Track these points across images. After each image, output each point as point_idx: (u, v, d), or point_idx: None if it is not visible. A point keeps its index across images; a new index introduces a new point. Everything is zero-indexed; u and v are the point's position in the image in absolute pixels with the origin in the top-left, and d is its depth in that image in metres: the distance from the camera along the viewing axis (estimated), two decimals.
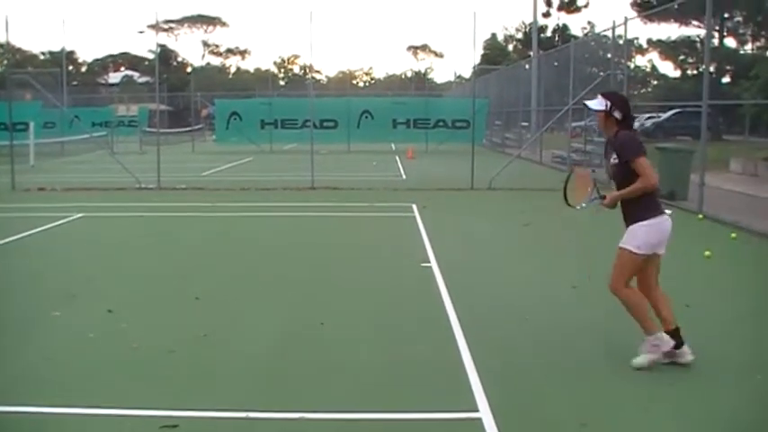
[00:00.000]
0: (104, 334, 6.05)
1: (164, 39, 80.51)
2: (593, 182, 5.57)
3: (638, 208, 5.24)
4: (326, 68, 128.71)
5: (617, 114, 5.33)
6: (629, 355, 5.56)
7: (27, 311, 6.76)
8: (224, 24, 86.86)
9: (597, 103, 5.42)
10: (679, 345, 5.26)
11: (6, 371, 5.22)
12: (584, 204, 5.53)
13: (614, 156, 5.30)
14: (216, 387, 4.94)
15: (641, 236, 5.20)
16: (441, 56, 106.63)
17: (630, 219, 5.29)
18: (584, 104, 5.65)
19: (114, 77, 74.93)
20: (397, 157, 27.41)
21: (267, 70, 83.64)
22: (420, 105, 33.18)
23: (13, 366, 5.32)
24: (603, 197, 5.42)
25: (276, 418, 4.42)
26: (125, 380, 5.06)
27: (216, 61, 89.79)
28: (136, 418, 4.42)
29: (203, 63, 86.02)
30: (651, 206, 5.27)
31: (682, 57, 42.34)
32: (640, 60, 46.92)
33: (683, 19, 38.52)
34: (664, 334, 5.25)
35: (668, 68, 53.56)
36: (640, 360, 5.24)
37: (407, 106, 32.93)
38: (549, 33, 54.86)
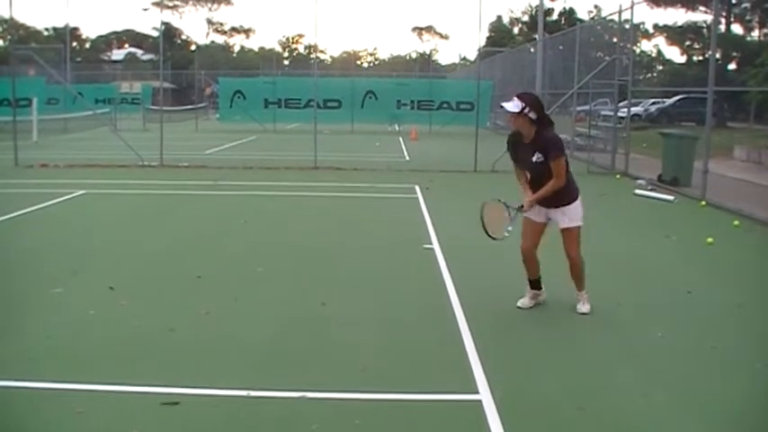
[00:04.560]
0: (105, 311, 6.06)
1: (168, 16, 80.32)
2: (503, 206, 6.17)
3: (570, 190, 6.02)
4: (331, 48, 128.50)
5: (532, 115, 5.77)
6: (630, 339, 5.58)
7: (29, 288, 6.78)
8: (228, 2, 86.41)
9: (513, 106, 5.78)
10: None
11: (7, 346, 5.24)
12: (510, 229, 6.11)
13: (538, 154, 5.85)
14: (217, 365, 4.95)
15: (581, 211, 6.10)
16: (446, 37, 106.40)
17: (565, 200, 6.02)
18: (501, 106, 6.10)
19: (118, 54, 74.74)
20: (401, 139, 27.36)
21: (271, 49, 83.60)
22: (424, 87, 33.10)
23: (14, 342, 5.33)
24: (521, 207, 6.09)
25: (277, 396, 4.44)
26: (126, 357, 5.08)
27: (220, 39, 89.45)
28: (136, 395, 4.43)
29: (207, 41, 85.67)
30: (576, 187, 6.13)
31: (688, 42, 42.19)
32: (646, 45, 46.75)
33: (689, 4, 38.34)
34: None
35: (674, 54, 53.41)
36: (588, 306, 6.18)
37: (411, 87, 32.86)
38: (555, 17, 54.51)
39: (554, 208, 6.09)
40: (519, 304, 6.26)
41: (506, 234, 6.08)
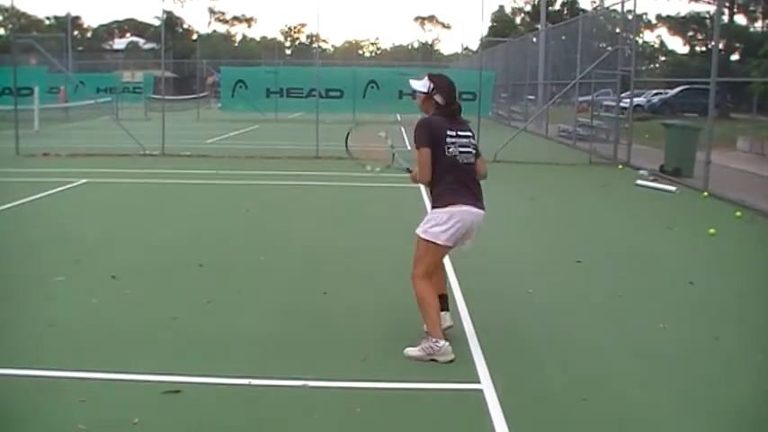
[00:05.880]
0: (107, 300, 6.07)
1: (170, 5, 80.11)
2: (385, 141, 5.69)
3: (434, 193, 5.28)
4: (333, 38, 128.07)
5: (438, 99, 5.18)
6: (631, 331, 5.58)
7: (31, 276, 6.78)
8: None
9: (421, 85, 5.28)
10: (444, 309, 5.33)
11: (10, 335, 5.25)
12: (377, 170, 5.73)
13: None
14: (218, 354, 4.96)
15: (431, 223, 5.26)
16: (448, 27, 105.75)
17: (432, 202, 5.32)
18: (410, 83, 5.46)
19: (119, 43, 74.77)
20: (403, 129, 27.27)
21: (273, 38, 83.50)
22: None
23: (16, 331, 5.34)
24: (409, 171, 5.45)
25: (278, 385, 4.44)
26: (128, 345, 5.08)
27: (222, 29, 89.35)
28: (138, 383, 4.44)
29: (209, 30, 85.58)
30: (441, 195, 5.22)
31: (691, 33, 42.09)
32: (649, 36, 46.67)
33: None
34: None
35: (677, 44, 53.32)
36: (413, 352, 4.91)
37: (414, 77, 32.75)
38: (557, 6, 54.37)
39: None
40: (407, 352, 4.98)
41: (371, 169, 5.72)
